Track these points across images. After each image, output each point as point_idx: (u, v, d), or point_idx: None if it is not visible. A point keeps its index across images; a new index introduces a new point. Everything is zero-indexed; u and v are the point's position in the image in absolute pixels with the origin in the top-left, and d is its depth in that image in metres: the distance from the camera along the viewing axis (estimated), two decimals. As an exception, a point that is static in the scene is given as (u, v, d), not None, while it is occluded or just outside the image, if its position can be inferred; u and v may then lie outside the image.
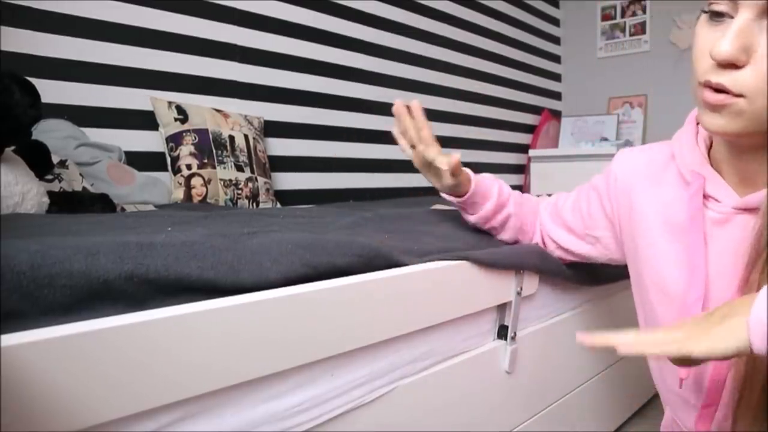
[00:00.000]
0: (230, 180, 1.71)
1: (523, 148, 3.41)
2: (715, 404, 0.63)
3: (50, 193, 1.10)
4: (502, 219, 0.93)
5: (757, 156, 0.60)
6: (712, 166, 0.67)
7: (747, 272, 0.58)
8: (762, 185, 0.61)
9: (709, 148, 0.69)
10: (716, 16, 0.55)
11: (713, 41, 0.54)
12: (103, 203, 1.22)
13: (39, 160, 1.10)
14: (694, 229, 0.66)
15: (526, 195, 1.00)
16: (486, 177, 0.93)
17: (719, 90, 0.55)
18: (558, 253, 0.96)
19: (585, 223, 0.88)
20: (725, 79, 0.54)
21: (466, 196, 0.89)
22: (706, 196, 0.67)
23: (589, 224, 0.88)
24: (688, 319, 0.54)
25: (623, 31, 3.52)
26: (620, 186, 0.81)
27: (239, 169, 1.75)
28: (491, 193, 0.91)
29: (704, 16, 0.58)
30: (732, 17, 0.54)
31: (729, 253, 0.64)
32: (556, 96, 3.76)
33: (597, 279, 1.14)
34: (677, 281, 0.70)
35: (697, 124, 0.72)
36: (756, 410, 0.55)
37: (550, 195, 1.02)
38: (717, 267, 0.65)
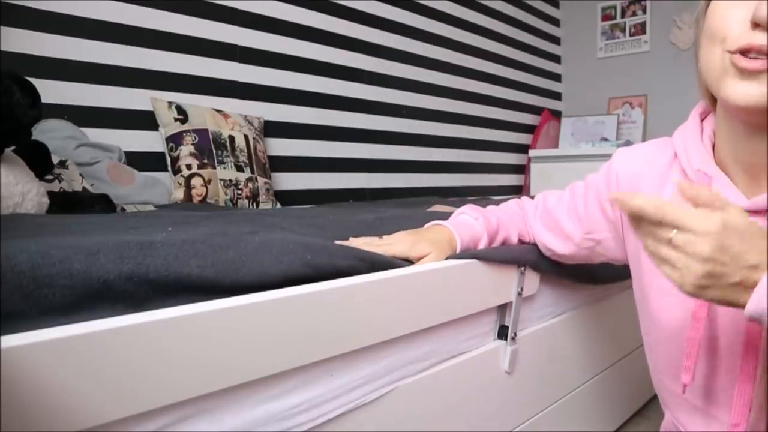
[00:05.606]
0: (230, 180, 1.71)
1: (523, 149, 3.41)
2: (744, 421, 0.61)
3: (50, 193, 1.10)
4: (502, 240, 0.92)
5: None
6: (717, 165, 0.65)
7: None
8: None
9: (714, 146, 0.67)
10: None
11: (743, 9, 0.54)
12: (103, 203, 1.22)
13: (39, 161, 1.10)
14: None
15: (508, 208, 0.97)
16: (465, 225, 0.88)
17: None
18: (554, 259, 0.95)
19: (584, 227, 0.85)
20: None
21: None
22: None
23: (589, 227, 0.85)
24: None
25: (623, 31, 3.52)
26: (623, 186, 0.78)
27: (239, 169, 1.75)
28: (480, 235, 0.89)
29: None
30: None
31: None
32: (556, 96, 3.76)
33: (597, 279, 1.14)
34: None
35: (702, 120, 0.70)
36: None
37: (532, 197, 0.99)
38: None
